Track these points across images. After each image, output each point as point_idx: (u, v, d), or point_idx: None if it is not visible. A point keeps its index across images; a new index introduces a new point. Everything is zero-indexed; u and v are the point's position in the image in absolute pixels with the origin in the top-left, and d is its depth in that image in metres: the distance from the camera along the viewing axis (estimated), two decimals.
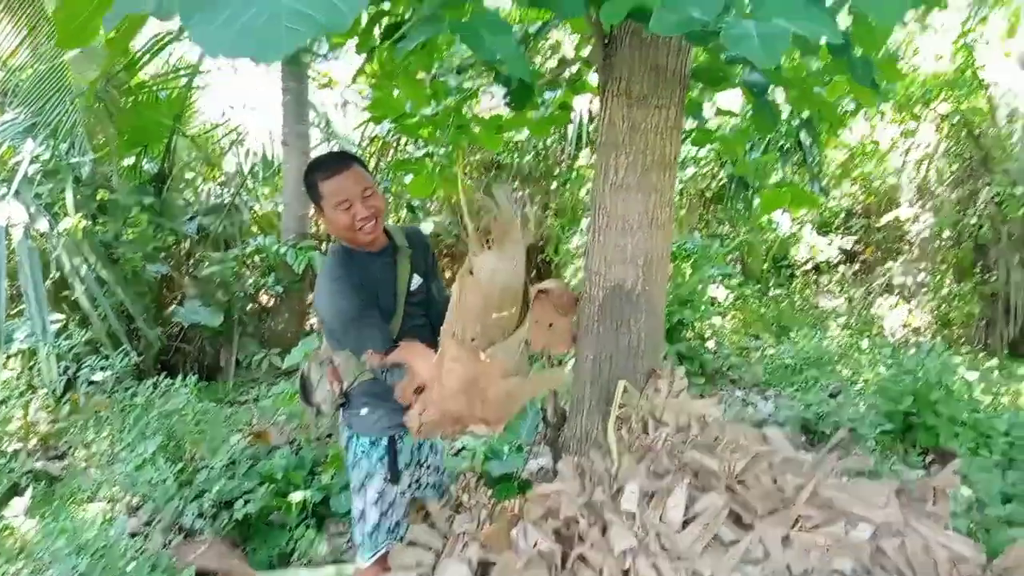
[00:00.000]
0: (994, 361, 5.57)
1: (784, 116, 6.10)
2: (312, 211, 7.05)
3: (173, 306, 5.33)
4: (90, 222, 4.18)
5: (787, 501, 1.78)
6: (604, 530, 1.77)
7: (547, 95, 3.05)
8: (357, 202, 1.82)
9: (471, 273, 1.65)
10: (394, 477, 1.99)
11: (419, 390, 1.65)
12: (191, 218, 6.40)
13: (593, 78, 3.21)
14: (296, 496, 2.84)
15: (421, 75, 2.95)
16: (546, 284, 2.47)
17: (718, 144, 3.40)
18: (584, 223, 7.20)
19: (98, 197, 4.15)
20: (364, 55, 2.83)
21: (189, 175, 7.11)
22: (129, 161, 6.07)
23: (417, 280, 2.00)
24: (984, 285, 6.41)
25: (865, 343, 5.91)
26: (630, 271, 2.35)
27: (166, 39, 4.65)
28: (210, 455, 3.06)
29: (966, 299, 6.77)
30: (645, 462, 2.01)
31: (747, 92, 2.31)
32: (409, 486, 2.09)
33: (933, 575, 1.48)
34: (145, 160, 6.12)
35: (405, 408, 1.68)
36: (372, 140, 7.17)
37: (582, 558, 1.72)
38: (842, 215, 10.24)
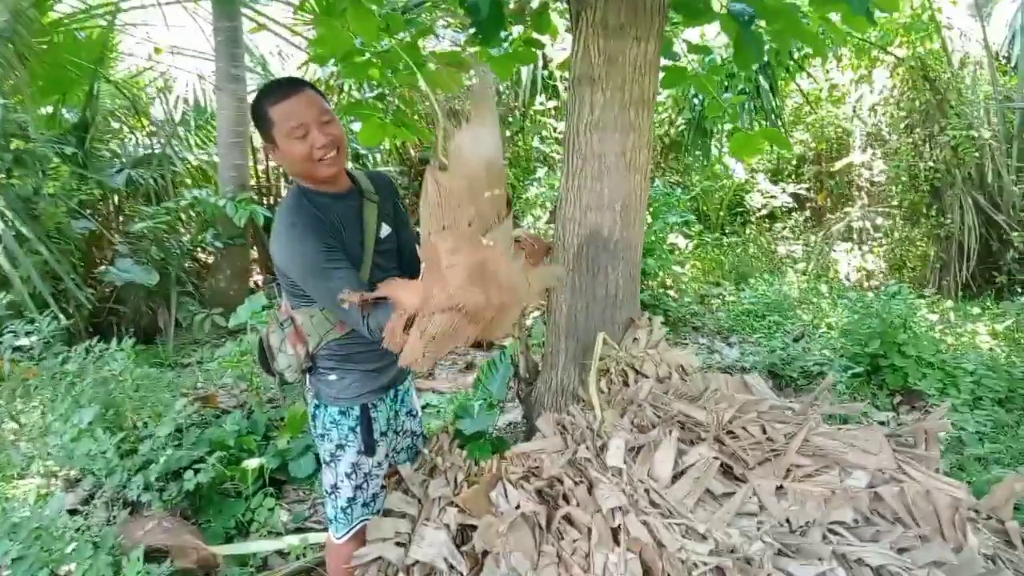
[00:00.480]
0: (949, 303, 5.74)
1: None
2: (251, 161, 6.74)
3: (104, 266, 5.03)
4: (3, 175, 3.86)
5: (778, 451, 1.75)
6: (590, 488, 1.71)
7: (513, 31, 2.89)
8: (314, 128, 1.64)
9: (444, 160, 1.48)
10: (369, 449, 1.85)
11: (409, 324, 1.50)
12: (119, 171, 6.04)
13: (557, 20, 3.05)
14: (251, 463, 2.71)
15: (372, 8, 2.75)
16: (515, 232, 2.36)
17: (689, 84, 3.30)
18: (540, 172, 7.08)
19: (11, 147, 3.82)
20: None
21: (116, 125, 6.67)
22: (48, 110, 5.67)
23: (386, 229, 1.85)
24: (939, 228, 6.56)
25: (824, 288, 6.01)
26: (607, 217, 2.26)
27: None
28: (154, 423, 2.90)
29: (920, 243, 6.94)
30: (628, 415, 1.95)
31: (730, 23, 2.21)
32: (386, 456, 1.96)
33: (934, 520, 1.47)
34: (65, 109, 5.71)
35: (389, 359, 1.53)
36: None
37: (568, 518, 1.66)
38: (793, 162, 10.39)
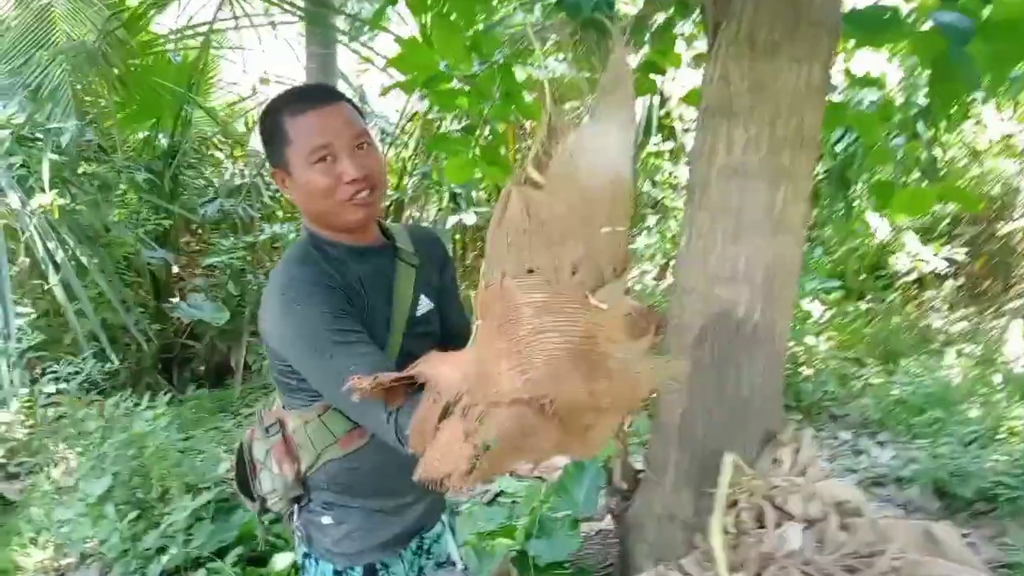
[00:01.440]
0: None
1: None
2: None
3: (177, 300, 4.95)
4: (70, 200, 3.79)
5: None
6: None
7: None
8: (344, 155, 1.25)
9: (535, 175, 0.98)
10: None
11: (445, 413, 1.00)
12: (211, 200, 6.05)
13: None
14: (281, 560, 2.34)
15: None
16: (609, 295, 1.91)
17: (845, 125, 2.78)
18: (651, 220, 6.59)
19: (79, 171, 3.76)
20: None
21: (217, 153, 6.76)
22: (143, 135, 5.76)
23: (426, 303, 1.44)
24: None
25: (998, 378, 5.14)
26: (743, 291, 1.77)
27: None
28: (180, 493, 2.59)
29: None
30: None
31: (929, 43, 1.71)
32: None
33: None
34: (162, 134, 5.78)
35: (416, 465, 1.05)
36: (412, 117, 6.67)
37: None
38: (947, 221, 9.41)
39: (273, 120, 1.29)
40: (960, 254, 8.55)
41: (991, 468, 3.41)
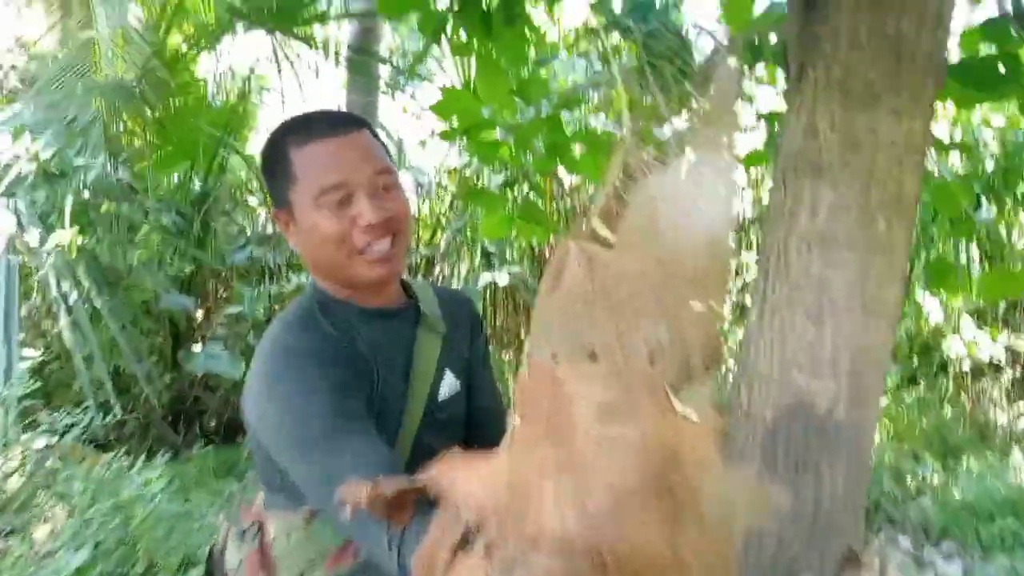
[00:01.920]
0: None
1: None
2: None
3: (193, 348, 4.78)
4: (91, 239, 3.68)
5: None
6: None
7: None
8: (362, 195, 1.04)
9: (600, 226, 0.72)
10: None
11: (463, 544, 0.72)
12: (241, 247, 5.96)
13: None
14: None
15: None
16: None
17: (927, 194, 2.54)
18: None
19: (102, 209, 3.66)
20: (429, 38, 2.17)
21: (249, 199, 6.71)
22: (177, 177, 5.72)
23: (451, 382, 1.19)
24: None
25: None
26: (825, 383, 1.51)
27: (215, 31, 4.20)
28: (169, 569, 2.35)
29: None
30: None
31: None
32: None
33: None
34: (196, 178, 5.74)
35: None
36: (450, 173, 6.56)
37: None
38: (1003, 304, 8.99)
39: (276, 151, 1.08)
40: (1020, 342, 8.12)
41: None
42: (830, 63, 1.44)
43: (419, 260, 6.38)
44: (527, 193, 2.58)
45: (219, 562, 1.17)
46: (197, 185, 5.50)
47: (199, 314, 5.72)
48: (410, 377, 1.12)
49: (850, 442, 1.53)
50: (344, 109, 4.88)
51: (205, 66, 5.49)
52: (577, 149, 2.52)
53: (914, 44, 1.41)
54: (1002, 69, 1.47)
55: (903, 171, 1.44)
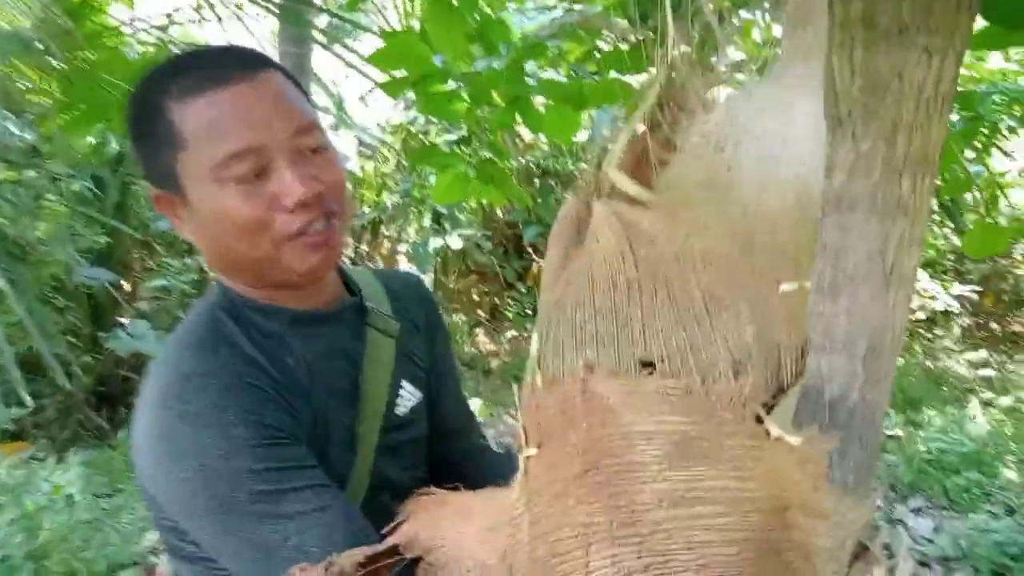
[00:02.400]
0: None
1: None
2: None
3: (120, 326, 4.45)
4: None
5: None
6: None
7: None
8: (282, 161, 0.80)
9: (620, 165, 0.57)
10: None
11: None
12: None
13: None
14: None
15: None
16: None
17: None
18: None
19: (2, 177, 3.30)
20: None
21: None
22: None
23: (411, 394, 0.99)
24: None
25: None
26: (840, 362, 1.36)
27: None
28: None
29: None
30: None
31: None
32: None
33: None
34: (112, 139, 5.31)
35: None
36: (395, 129, 6.25)
37: None
38: (951, 256, 9.18)
39: (149, 108, 0.83)
40: (973, 291, 8.32)
41: None
42: None
43: (365, 223, 6.10)
44: (483, 152, 2.37)
45: None
46: (114, 146, 5.10)
47: (127, 288, 5.38)
48: (360, 394, 0.92)
49: (864, 428, 1.38)
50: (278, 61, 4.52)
51: (118, 16, 5.04)
52: (540, 103, 2.31)
53: None
54: None
55: (932, 122, 1.27)
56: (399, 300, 1.06)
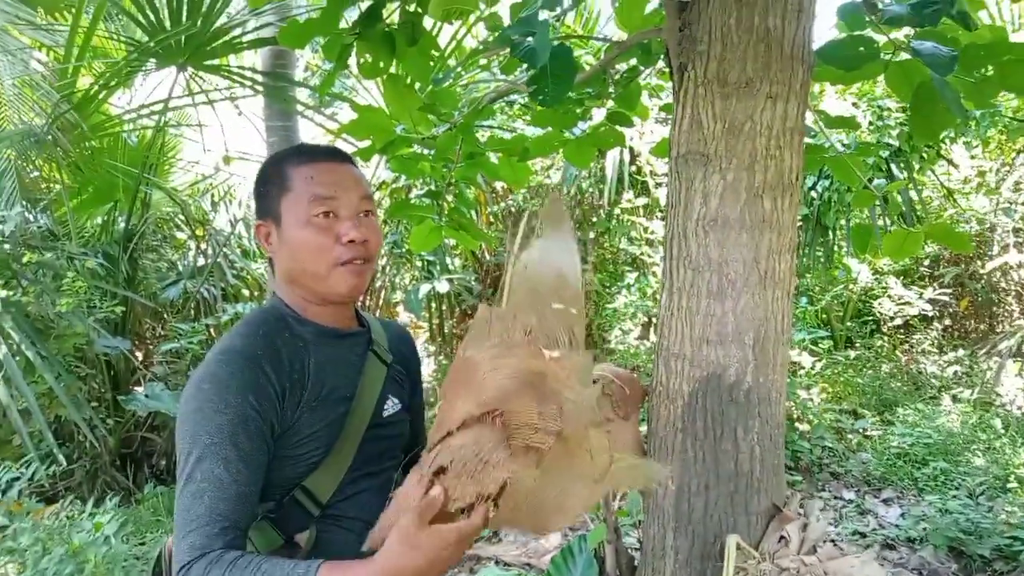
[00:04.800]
0: None
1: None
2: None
3: (135, 390, 4.70)
4: (15, 292, 3.61)
5: None
6: None
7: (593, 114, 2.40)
8: (346, 215, 1.18)
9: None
10: None
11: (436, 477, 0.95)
12: (173, 283, 5.88)
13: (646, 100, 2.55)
14: None
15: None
16: (597, 369, 1.75)
17: (822, 168, 2.72)
18: (630, 278, 6.48)
19: (24, 260, 3.59)
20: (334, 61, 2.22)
21: (180, 235, 6.61)
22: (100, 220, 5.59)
23: (394, 404, 1.32)
24: None
25: (998, 423, 5.00)
26: (733, 353, 1.62)
27: (126, 68, 4.14)
28: None
29: None
30: None
31: (905, 75, 1.64)
32: None
33: None
34: (120, 217, 5.63)
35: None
36: (380, 186, 6.59)
37: None
38: (926, 262, 9.41)
39: (274, 168, 1.21)
40: (945, 295, 8.54)
41: (1005, 522, 3.24)
42: (707, 59, 1.55)
43: None
44: (452, 202, 2.66)
45: (165, 566, 1.23)
46: (121, 225, 5.42)
47: (139, 355, 5.64)
48: (357, 392, 1.22)
49: (762, 406, 1.64)
50: (266, 135, 4.86)
51: (118, 104, 5.40)
52: (493, 157, 2.60)
53: (781, 34, 1.54)
54: (861, 49, 1.61)
55: (784, 152, 1.56)
56: (395, 342, 1.41)
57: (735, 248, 1.58)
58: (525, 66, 1.54)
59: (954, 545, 3.13)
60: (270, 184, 1.21)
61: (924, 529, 3.31)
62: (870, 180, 2.83)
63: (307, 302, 1.22)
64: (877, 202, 2.56)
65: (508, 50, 1.63)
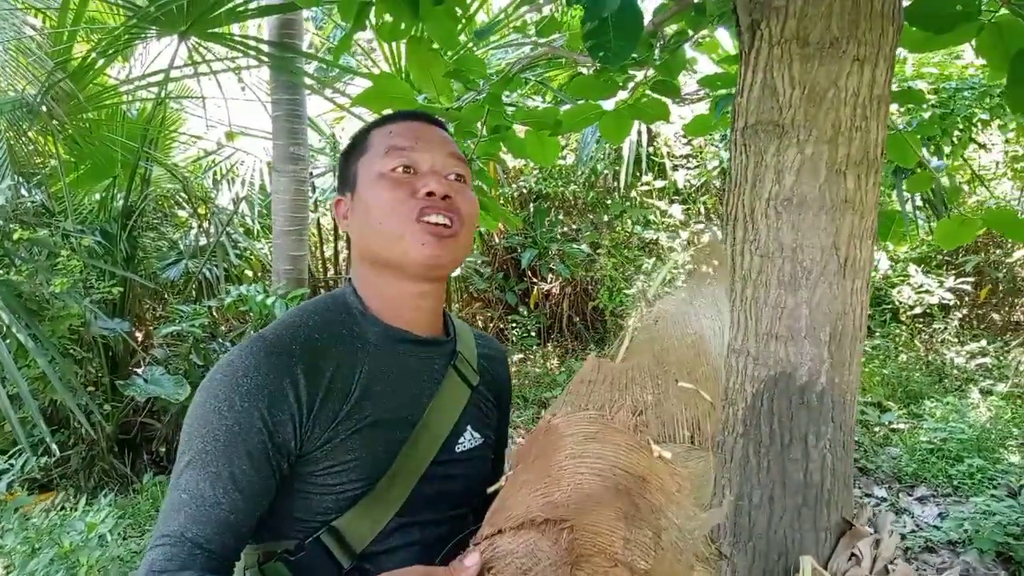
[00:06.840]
0: None
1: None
2: (323, 250, 6.05)
3: (134, 373, 4.54)
4: (7, 270, 3.45)
5: None
6: None
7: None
8: (427, 168, 1.00)
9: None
10: None
11: None
12: (174, 262, 5.72)
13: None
14: None
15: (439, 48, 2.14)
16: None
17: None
18: (649, 264, 6.30)
19: (15, 237, 3.42)
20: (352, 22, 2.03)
21: (181, 213, 6.44)
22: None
23: (473, 437, 1.05)
24: None
25: None
26: (807, 350, 1.46)
27: (125, 35, 3.94)
28: None
29: None
30: None
31: (1008, 38, 1.45)
32: None
33: None
34: (118, 194, 5.44)
35: None
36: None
37: None
38: (944, 250, 9.21)
39: (360, 135, 1.07)
40: (967, 284, 8.35)
41: None
42: (784, 15, 1.37)
43: None
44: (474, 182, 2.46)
45: None
46: (120, 201, 5.24)
47: (139, 336, 5.48)
48: (424, 416, 0.99)
49: (836, 410, 1.48)
50: (271, 109, 4.67)
51: (116, 75, 5.21)
52: (520, 130, 2.42)
53: None
54: (959, 7, 1.42)
55: (869, 122, 1.39)
56: (487, 361, 1.15)
57: (812, 232, 1.41)
58: (578, 21, 1.36)
59: (1002, 550, 2.98)
60: (351, 152, 1.06)
61: (966, 531, 3.15)
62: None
63: (378, 289, 1.01)
64: (935, 184, 2.38)
65: (549, 5, 1.45)
